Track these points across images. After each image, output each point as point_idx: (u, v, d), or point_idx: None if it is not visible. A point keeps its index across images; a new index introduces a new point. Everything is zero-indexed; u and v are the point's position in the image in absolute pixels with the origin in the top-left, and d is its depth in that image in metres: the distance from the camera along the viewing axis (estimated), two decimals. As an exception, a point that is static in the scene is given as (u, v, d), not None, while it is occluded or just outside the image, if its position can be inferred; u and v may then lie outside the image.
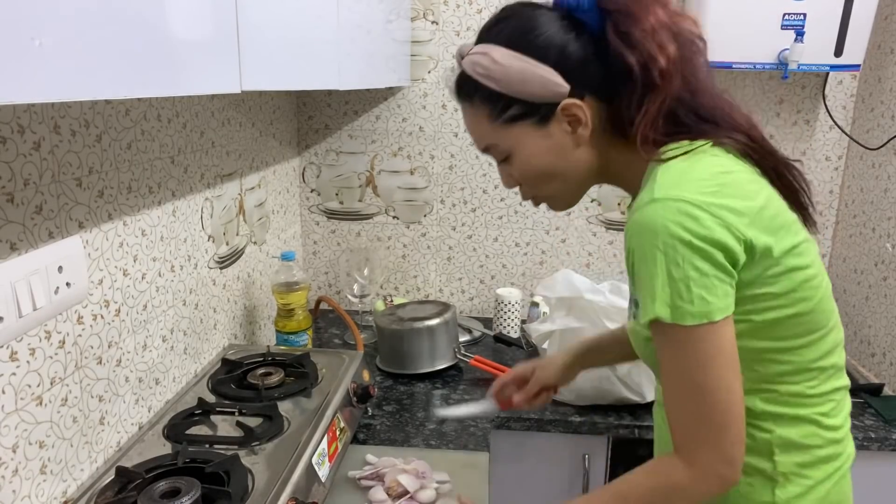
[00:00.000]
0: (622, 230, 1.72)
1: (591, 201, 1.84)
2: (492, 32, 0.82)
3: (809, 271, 0.76)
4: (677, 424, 0.75)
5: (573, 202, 0.89)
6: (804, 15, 1.48)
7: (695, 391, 0.72)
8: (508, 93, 0.80)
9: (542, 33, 0.79)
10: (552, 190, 0.87)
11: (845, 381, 0.84)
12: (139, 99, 1.04)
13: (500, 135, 0.83)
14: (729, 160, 0.78)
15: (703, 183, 0.73)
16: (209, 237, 1.30)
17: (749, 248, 0.71)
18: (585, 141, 0.81)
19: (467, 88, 0.84)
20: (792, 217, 0.78)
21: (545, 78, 0.78)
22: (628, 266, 0.77)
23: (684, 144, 0.78)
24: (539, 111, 0.80)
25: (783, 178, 0.81)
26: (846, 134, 1.71)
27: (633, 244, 0.74)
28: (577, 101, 0.79)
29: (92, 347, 0.95)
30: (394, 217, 1.88)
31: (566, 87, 0.78)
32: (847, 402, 0.84)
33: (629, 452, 1.37)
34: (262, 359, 1.26)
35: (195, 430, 1.03)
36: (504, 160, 0.86)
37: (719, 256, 0.70)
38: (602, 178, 0.86)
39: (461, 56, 0.84)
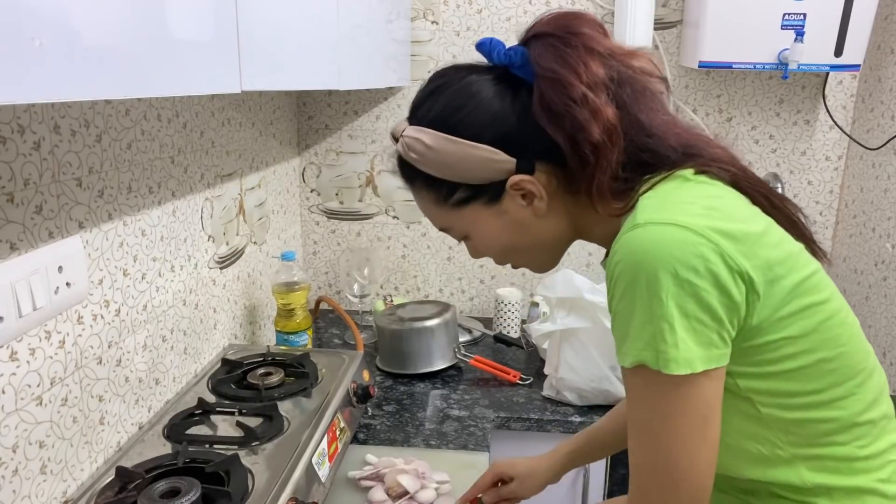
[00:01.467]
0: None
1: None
2: (421, 111, 0.74)
3: (829, 306, 0.66)
4: (633, 473, 0.67)
5: (552, 265, 0.82)
6: (804, 15, 1.48)
7: (651, 443, 0.64)
8: (449, 178, 0.73)
9: (475, 107, 0.71)
10: (522, 261, 0.81)
11: None
12: (139, 99, 1.04)
13: (452, 218, 0.76)
14: (715, 187, 0.69)
15: (690, 206, 0.64)
16: (209, 237, 1.30)
17: (747, 281, 0.61)
18: (545, 211, 0.73)
19: (408, 173, 0.76)
20: (797, 246, 0.69)
21: (485, 158, 0.70)
22: (610, 304, 0.67)
23: (662, 172, 0.69)
24: (487, 191, 0.73)
25: (778, 208, 0.72)
26: (846, 134, 1.71)
27: (615, 275, 0.64)
28: (526, 177, 0.71)
29: (92, 347, 0.95)
30: (394, 217, 1.88)
31: (511, 161, 0.70)
32: None
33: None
34: (262, 359, 1.26)
35: (195, 430, 1.03)
36: (464, 238, 0.80)
37: (707, 292, 0.60)
38: (579, 237, 0.78)
39: (394, 138, 0.76)
